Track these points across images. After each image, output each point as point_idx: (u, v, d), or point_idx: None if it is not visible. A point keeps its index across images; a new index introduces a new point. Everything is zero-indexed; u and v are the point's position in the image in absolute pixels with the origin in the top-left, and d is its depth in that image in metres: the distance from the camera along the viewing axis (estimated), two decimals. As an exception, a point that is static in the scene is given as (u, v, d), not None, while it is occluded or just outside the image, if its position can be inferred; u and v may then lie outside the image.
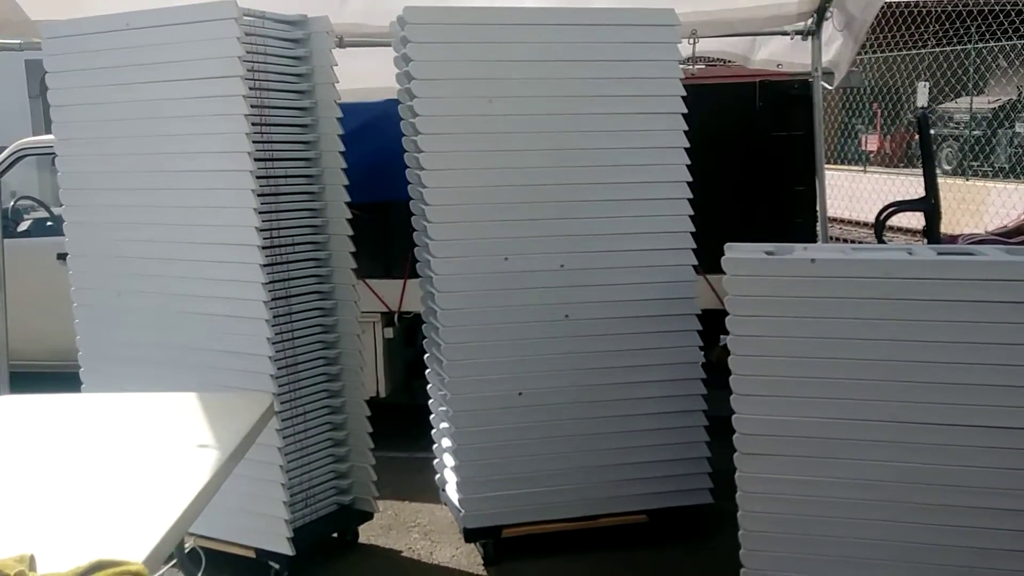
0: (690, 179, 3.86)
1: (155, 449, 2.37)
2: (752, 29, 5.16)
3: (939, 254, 3.16)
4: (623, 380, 3.86)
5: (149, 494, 2.03)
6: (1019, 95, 18.49)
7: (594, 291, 3.82)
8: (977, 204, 12.41)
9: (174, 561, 2.81)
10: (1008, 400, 2.88)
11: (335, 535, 4.09)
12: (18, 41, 4.71)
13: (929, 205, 4.14)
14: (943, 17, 16.44)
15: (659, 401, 3.90)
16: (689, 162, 3.85)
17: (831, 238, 9.90)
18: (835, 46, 5.12)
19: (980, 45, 16.31)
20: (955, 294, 2.91)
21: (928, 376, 2.94)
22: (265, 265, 3.55)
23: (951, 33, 16.56)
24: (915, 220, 4.20)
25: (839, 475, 3.04)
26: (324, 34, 3.82)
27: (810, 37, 5.04)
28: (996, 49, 16.35)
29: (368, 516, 4.12)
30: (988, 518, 2.92)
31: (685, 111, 3.84)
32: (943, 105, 18.36)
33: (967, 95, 17.53)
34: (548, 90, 3.75)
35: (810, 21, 4.99)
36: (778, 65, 5.41)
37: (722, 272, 3.07)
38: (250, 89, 3.52)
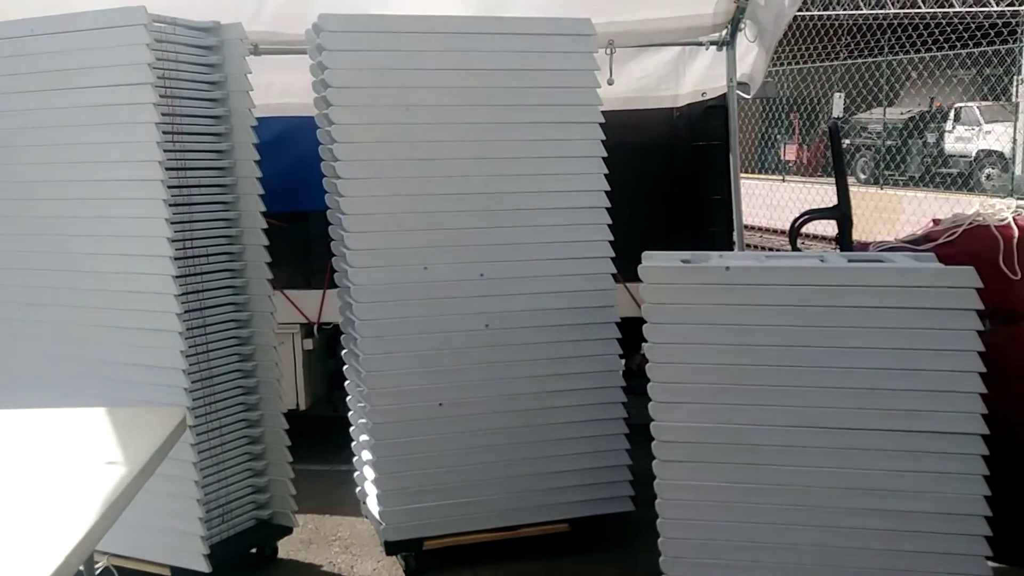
0: (608, 188, 3.88)
1: (62, 467, 2.30)
2: (668, 40, 5.23)
3: (850, 261, 3.23)
4: (544, 389, 3.86)
5: (53, 513, 1.97)
6: (930, 106, 19.11)
7: (514, 300, 3.82)
8: (891, 212, 12.76)
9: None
10: (917, 404, 2.95)
11: (253, 550, 4.01)
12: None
13: (841, 213, 4.22)
14: (855, 30, 16.92)
15: (580, 409, 3.90)
16: (607, 172, 3.88)
17: (751, 246, 10.10)
18: (750, 58, 5.22)
19: (891, 57, 16.82)
20: (865, 300, 2.98)
21: (840, 381, 3.00)
22: (178, 276, 3.48)
23: (863, 46, 17.04)
24: (830, 228, 4.28)
25: (756, 480, 3.08)
26: (238, 41, 3.75)
27: (725, 48, 5.13)
28: (906, 62, 16.86)
29: (287, 530, 4.05)
30: (898, 520, 2.99)
31: (603, 121, 3.86)
32: (857, 116, 18.89)
33: (880, 106, 18.05)
34: (466, 99, 3.74)
35: (724, 32, 5.08)
36: (703, 94, 5.48)
37: (640, 280, 3.09)
38: (161, 97, 3.45)
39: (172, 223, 3.45)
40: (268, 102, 4.59)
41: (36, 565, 1.69)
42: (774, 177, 17.99)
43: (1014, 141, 15.87)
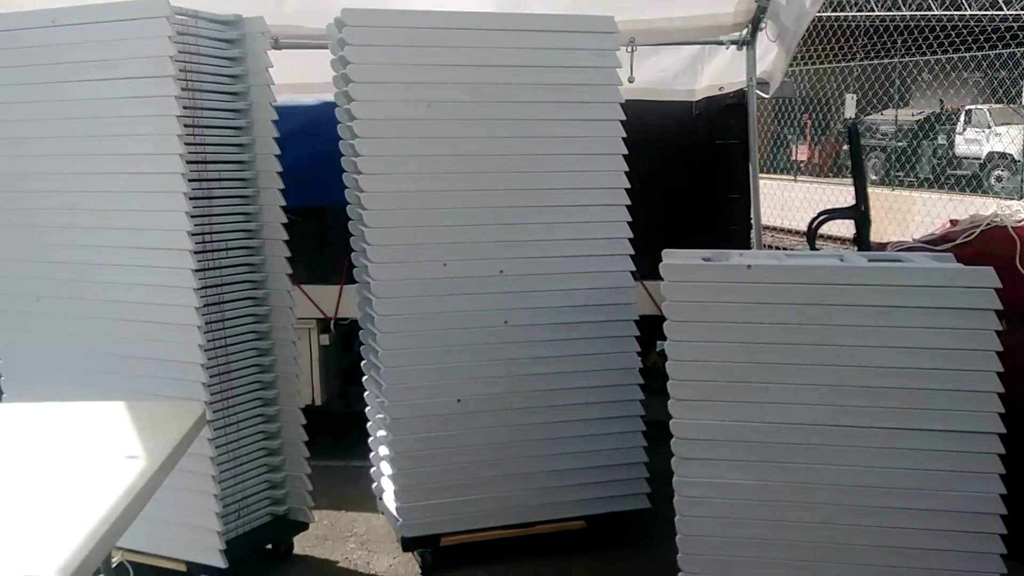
0: (628, 186, 3.87)
1: (81, 460, 2.29)
2: (688, 39, 5.22)
3: (870, 261, 3.22)
4: (561, 386, 3.86)
5: (74, 508, 1.96)
6: (941, 108, 19.06)
7: (533, 297, 3.81)
8: (903, 213, 12.73)
9: None
10: (934, 403, 2.95)
11: (269, 546, 4.01)
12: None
13: (859, 213, 4.20)
14: (871, 32, 16.86)
15: (597, 407, 3.89)
16: (628, 169, 3.87)
17: (766, 246, 10.08)
18: (770, 57, 5.21)
19: (905, 59, 16.77)
20: (885, 300, 2.97)
21: (859, 380, 3.00)
22: (197, 270, 3.47)
23: (879, 47, 16.99)
24: (844, 228, 4.26)
25: (774, 478, 3.07)
26: (259, 35, 3.74)
27: (745, 48, 5.12)
28: (920, 63, 16.81)
29: (303, 526, 4.04)
30: (915, 518, 2.99)
31: (624, 118, 3.85)
32: (870, 117, 18.85)
33: (893, 107, 18.01)
34: (487, 95, 3.73)
35: (745, 32, 5.07)
36: (720, 88, 5.48)
37: (659, 278, 3.08)
38: (182, 90, 3.43)
39: (192, 216, 3.44)
40: (291, 81, 4.55)
41: (57, 560, 1.67)
42: (786, 177, 17.97)
43: (1024, 144, 15.84)
